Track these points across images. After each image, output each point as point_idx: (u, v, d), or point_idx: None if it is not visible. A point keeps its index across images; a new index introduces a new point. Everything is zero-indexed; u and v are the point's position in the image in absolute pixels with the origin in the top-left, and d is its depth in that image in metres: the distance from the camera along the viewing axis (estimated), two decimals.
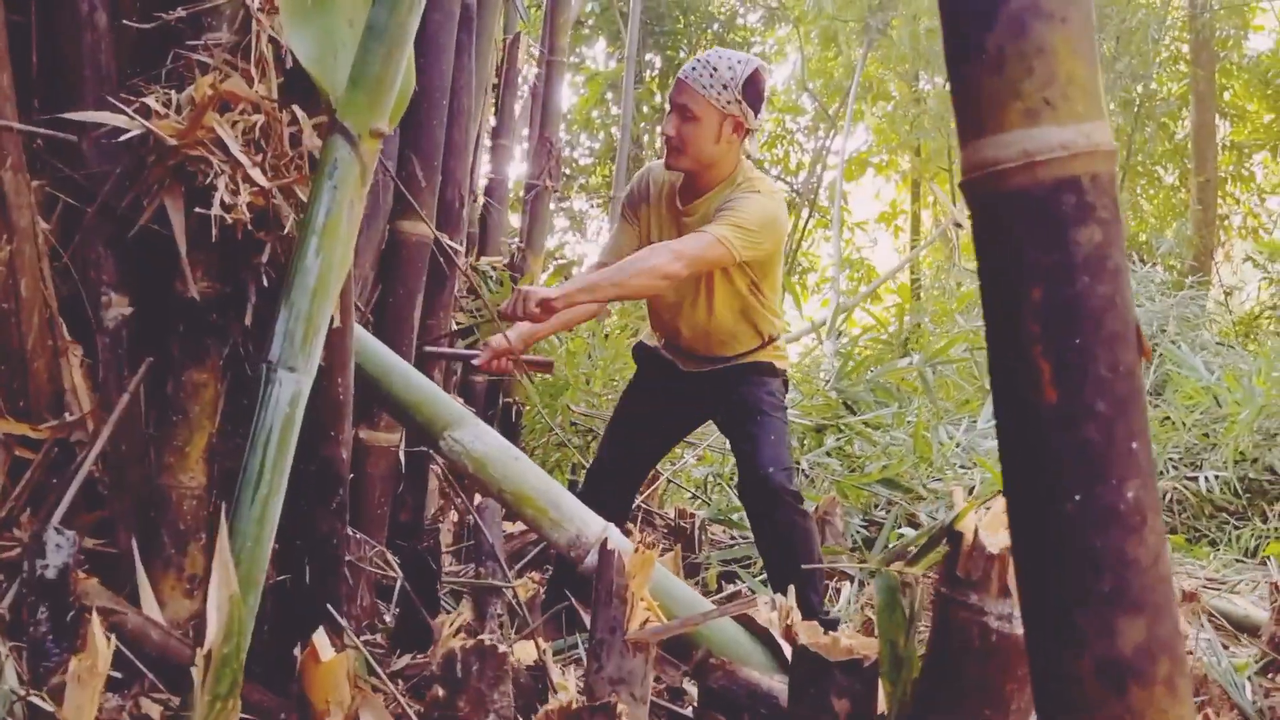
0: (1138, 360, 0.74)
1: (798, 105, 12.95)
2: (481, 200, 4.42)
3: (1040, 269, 0.73)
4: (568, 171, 12.00)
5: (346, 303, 1.74)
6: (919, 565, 1.18)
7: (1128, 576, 0.72)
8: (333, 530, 1.82)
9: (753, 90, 2.46)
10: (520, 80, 4.81)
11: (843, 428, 4.48)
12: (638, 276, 2.35)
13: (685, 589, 1.89)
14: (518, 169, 6.67)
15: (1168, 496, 5.24)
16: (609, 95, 11.63)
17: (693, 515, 3.78)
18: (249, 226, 1.60)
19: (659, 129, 2.59)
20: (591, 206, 12.95)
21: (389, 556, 2.16)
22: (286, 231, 1.60)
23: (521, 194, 5.05)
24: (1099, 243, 0.73)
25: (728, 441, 2.90)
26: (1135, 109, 11.57)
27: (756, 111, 2.49)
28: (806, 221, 13.56)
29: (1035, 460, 0.74)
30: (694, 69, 2.46)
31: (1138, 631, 0.71)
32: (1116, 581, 0.71)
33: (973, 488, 4.08)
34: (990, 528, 1.11)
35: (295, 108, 1.64)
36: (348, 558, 1.96)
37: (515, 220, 6.39)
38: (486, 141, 4.71)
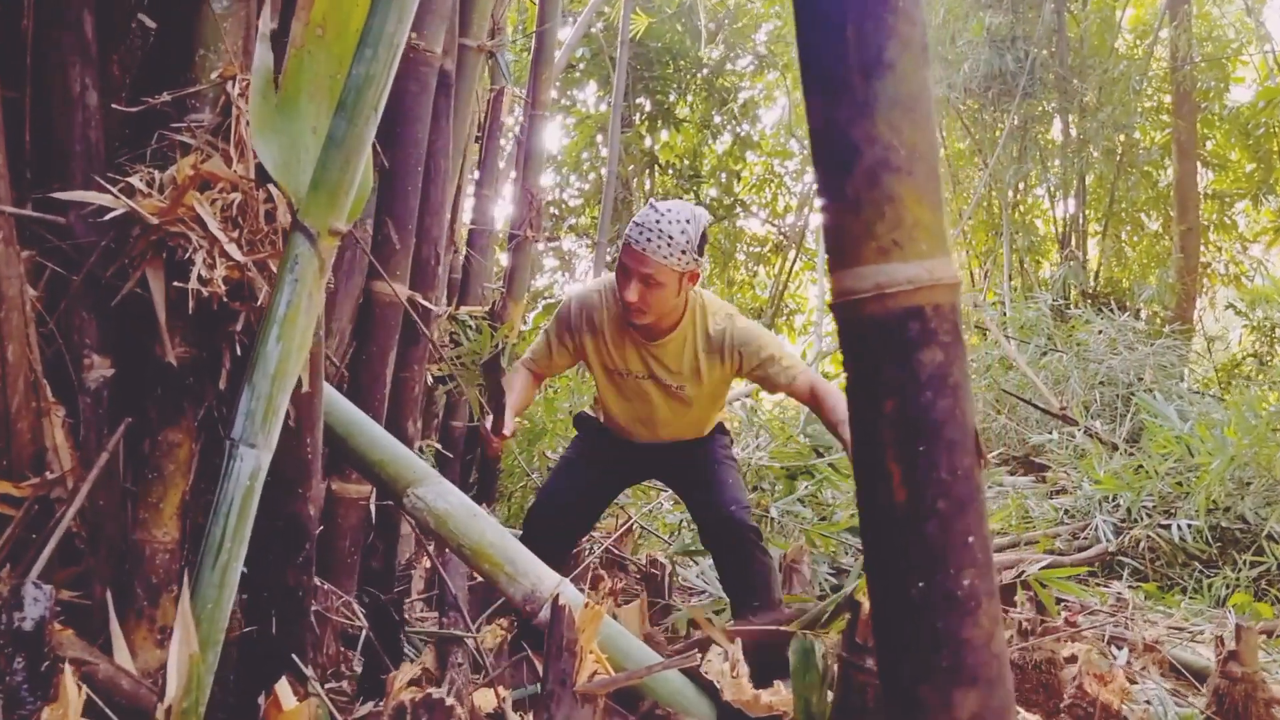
0: (975, 464, 0.86)
1: (786, 149, 13.16)
2: (464, 251, 4.55)
3: (892, 384, 0.85)
4: (556, 212, 12.16)
5: (316, 366, 1.85)
6: (829, 629, 1.29)
7: (963, 654, 0.83)
8: (299, 583, 1.92)
9: (704, 240, 2.62)
10: (504, 130, 4.96)
11: (814, 473, 4.59)
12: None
13: (634, 642, 1.99)
14: (504, 210, 6.80)
15: (1140, 544, 5.35)
16: (599, 138, 11.83)
17: (663, 563, 3.88)
18: (224, 298, 1.72)
19: (623, 249, 2.63)
20: (580, 247, 13.11)
21: (355, 608, 2.26)
22: (260, 302, 1.72)
23: (506, 237, 5.19)
24: (940, 362, 0.85)
25: (678, 491, 3.05)
26: (1118, 157, 11.81)
27: (702, 254, 2.66)
28: (793, 263, 13.75)
29: (888, 551, 0.86)
30: (649, 240, 2.52)
31: (973, 702, 0.83)
32: (953, 659, 0.83)
33: None
34: None
35: (271, 186, 1.76)
36: (315, 607, 2.06)
37: (504, 259, 6.54)
38: (470, 190, 4.85)
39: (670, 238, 2.51)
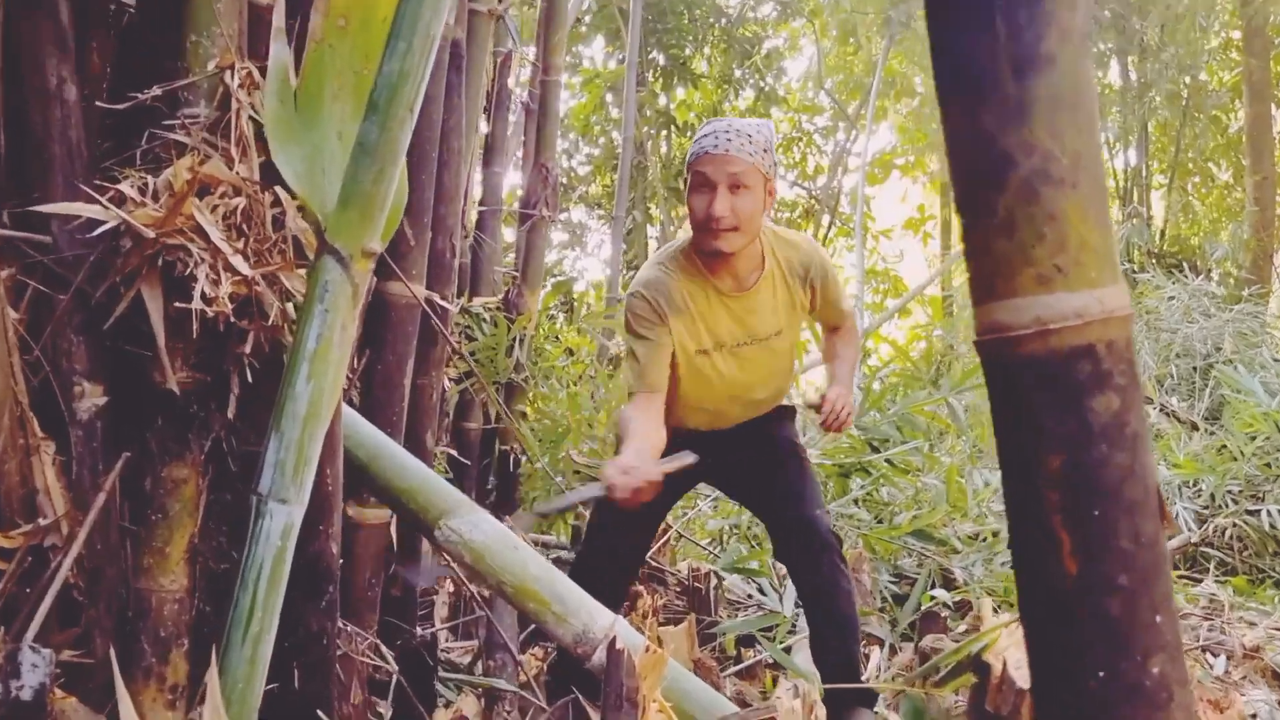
0: (1159, 529, 0.79)
1: (815, 104, 13.03)
2: (472, 234, 4.49)
3: (1057, 437, 0.78)
4: (564, 181, 12.09)
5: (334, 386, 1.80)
6: (946, 687, 1.23)
7: None
8: (323, 629, 1.87)
9: (772, 150, 2.61)
10: (511, 97, 4.89)
11: (870, 470, 4.52)
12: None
13: (700, 686, 1.94)
14: (512, 182, 6.73)
15: (1226, 534, 5.28)
16: (608, 98, 11.73)
17: (708, 573, 3.83)
18: (231, 317, 1.66)
19: (689, 204, 2.54)
20: (592, 219, 13.05)
21: (383, 649, 2.21)
22: (271, 321, 1.66)
23: (515, 211, 5.13)
24: (1116, 410, 0.78)
25: (747, 496, 2.96)
26: (1183, 102, 11.63)
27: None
28: (828, 230, 13.65)
29: (1058, 632, 0.79)
30: (729, 139, 2.49)
31: None
32: None
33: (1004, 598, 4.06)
34: (1021, 654, 1.15)
35: (279, 189, 1.70)
36: (339, 652, 2.02)
37: (509, 235, 6.47)
38: (477, 166, 4.79)
39: (749, 136, 2.51)
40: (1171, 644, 0.78)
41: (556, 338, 6.43)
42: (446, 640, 3.27)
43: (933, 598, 3.58)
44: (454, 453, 4.36)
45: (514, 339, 4.43)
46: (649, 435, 2.49)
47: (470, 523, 1.94)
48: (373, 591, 2.50)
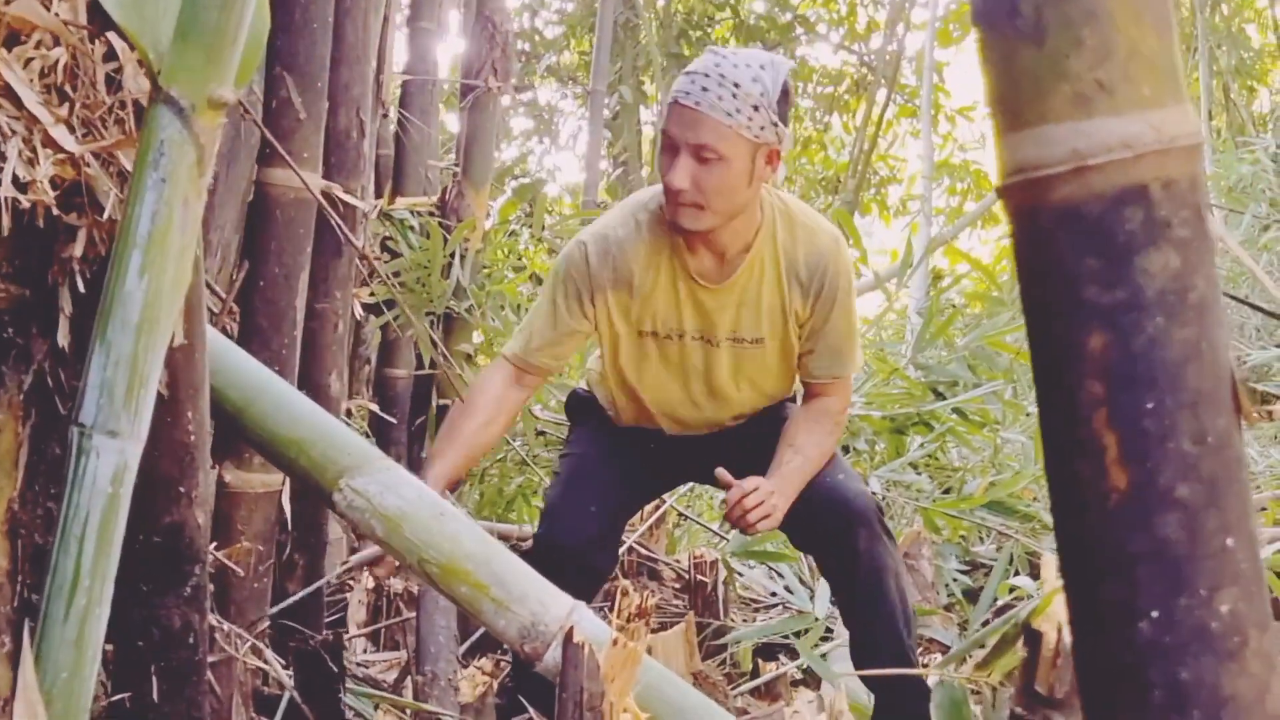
0: (1234, 426, 0.82)
1: None
2: (395, 114, 4.50)
3: (1100, 310, 0.81)
4: (527, 48, 12.05)
5: (193, 303, 1.82)
6: (993, 670, 1.27)
7: (1224, 718, 0.80)
8: (188, 624, 1.91)
9: (786, 102, 2.54)
10: None
11: (933, 423, 4.56)
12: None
13: (702, 702, 1.98)
14: (452, 50, 6.70)
15: None
16: None
17: (714, 563, 3.88)
18: (55, 208, 1.68)
19: (659, 168, 2.57)
20: (564, 97, 13.02)
21: (270, 656, 2.26)
22: (108, 214, 1.68)
23: (458, 90, 5.13)
24: (1176, 271, 0.81)
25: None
26: None
27: (787, 124, 2.58)
28: (884, 110, 13.62)
29: (1099, 565, 0.82)
30: (706, 91, 2.46)
31: None
32: None
33: None
34: None
35: (112, 35, 1.71)
36: (211, 659, 2.06)
37: (454, 123, 6.46)
38: (400, 23, 4.78)
39: (736, 86, 2.43)
40: (1247, 575, 0.81)
41: (520, 260, 6.44)
42: (365, 651, 3.33)
43: (1013, 589, 3.63)
44: (375, 408, 4.41)
45: (453, 254, 4.45)
46: (471, 441, 2.74)
47: (381, 483, 1.97)
48: (260, 583, 2.54)
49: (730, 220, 2.58)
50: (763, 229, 2.66)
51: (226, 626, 2.22)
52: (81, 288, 1.77)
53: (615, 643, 1.81)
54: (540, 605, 1.97)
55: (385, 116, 4.34)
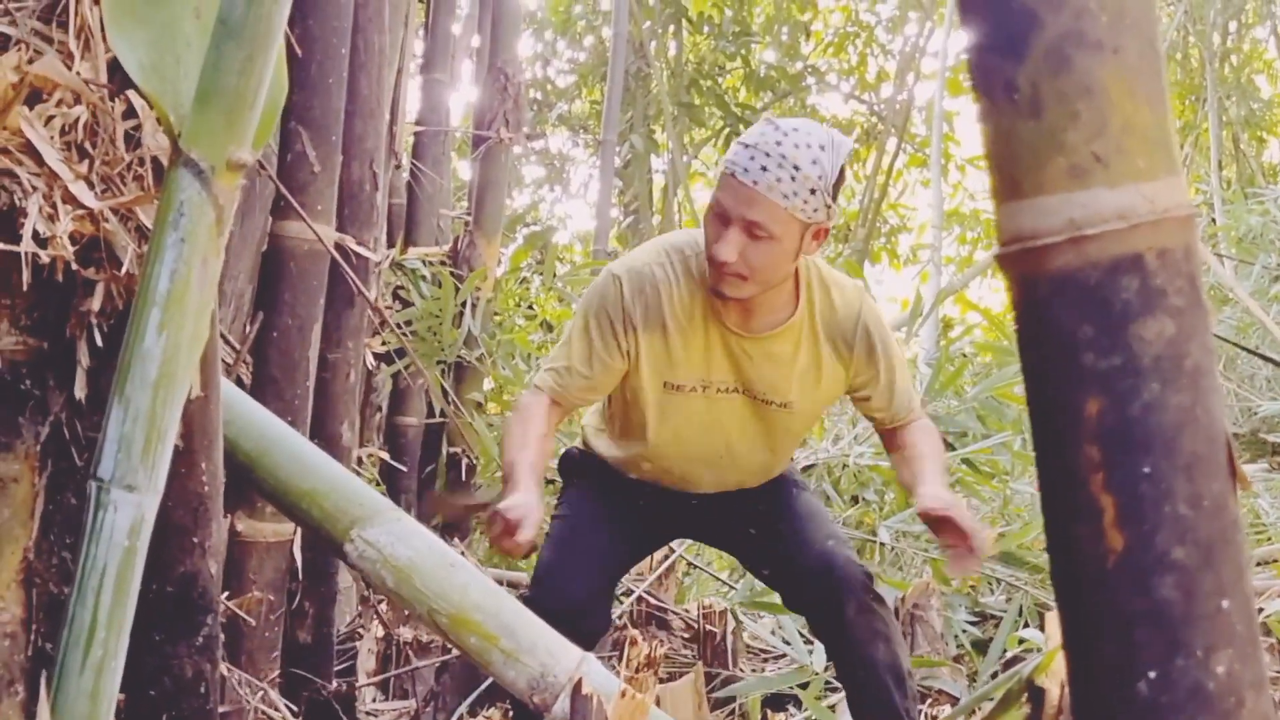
0: (1229, 490, 0.84)
1: None
2: (408, 164, 4.54)
3: (1097, 375, 0.83)
4: (539, 96, 12.13)
5: (209, 355, 1.84)
6: None
7: None
8: (200, 674, 1.92)
9: (841, 181, 2.51)
10: None
11: None
12: None
13: None
14: (464, 99, 6.74)
15: None
16: None
17: (723, 613, 3.88)
18: (74, 263, 1.71)
19: (706, 228, 2.53)
20: (575, 145, 13.08)
21: (283, 705, 2.27)
22: (125, 269, 1.71)
23: (470, 140, 5.17)
24: (1172, 338, 0.83)
25: (742, 552, 3.06)
26: None
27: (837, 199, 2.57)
28: (894, 158, 13.67)
29: (1097, 625, 0.84)
30: (765, 170, 2.42)
31: None
32: None
33: None
34: None
35: (131, 93, 1.74)
36: (223, 709, 2.07)
37: (465, 171, 6.50)
38: (413, 72, 4.83)
39: (796, 168, 2.39)
40: (1243, 637, 0.83)
41: (530, 307, 6.46)
42: (374, 700, 3.33)
43: (1023, 641, 3.63)
44: (386, 456, 4.43)
45: (464, 304, 4.48)
46: (534, 451, 2.63)
47: (392, 534, 2.00)
48: (271, 632, 2.56)
49: (767, 290, 2.57)
50: (803, 291, 2.66)
51: (237, 674, 2.24)
52: (99, 341, 1.80)
53: (623, 694, 1.83)
54: (550, 656, 1.99)
55: (398, 167, 4.39)
